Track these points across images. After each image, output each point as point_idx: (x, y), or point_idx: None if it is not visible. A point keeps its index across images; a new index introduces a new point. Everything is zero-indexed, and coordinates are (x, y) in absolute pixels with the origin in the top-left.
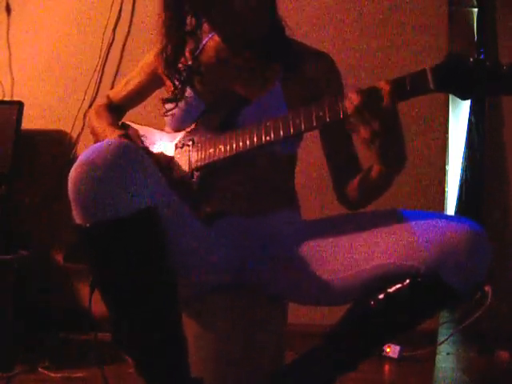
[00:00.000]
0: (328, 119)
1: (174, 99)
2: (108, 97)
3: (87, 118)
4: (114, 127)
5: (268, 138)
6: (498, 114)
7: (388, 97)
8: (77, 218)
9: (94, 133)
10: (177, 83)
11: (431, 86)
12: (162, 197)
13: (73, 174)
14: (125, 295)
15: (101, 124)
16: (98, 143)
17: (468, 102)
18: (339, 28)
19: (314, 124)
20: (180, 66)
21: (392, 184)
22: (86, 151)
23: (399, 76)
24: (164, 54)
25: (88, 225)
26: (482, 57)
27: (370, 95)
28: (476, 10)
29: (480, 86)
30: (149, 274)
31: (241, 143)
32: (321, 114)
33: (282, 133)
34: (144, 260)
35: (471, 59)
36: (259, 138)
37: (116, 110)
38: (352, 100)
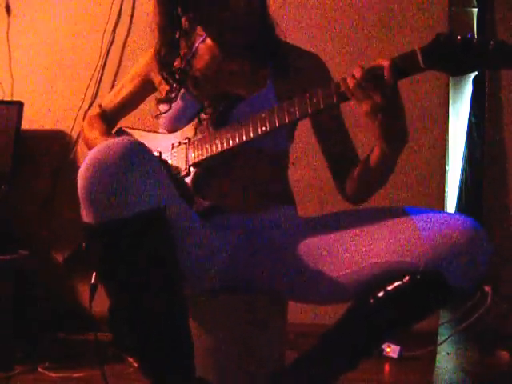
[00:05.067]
0: (322, 105)
1: (169, 100)
2: (100, 106)
3: (81, 130)
4: (108, 136)
5: (264, 128)
6: (498, 114)
7: (388, 71)
8: (86, 216)
9: (88, 144)
10: (172, 83)
11: (421, 64)
12: (169, 197)
13: (82, 173)
14: (131, 294)
15: (95, 135)
16: (109, 142)
17: (468, 102)
18: (338, 29)
19: (309, 111)
20: (174, 66)
21: (394, 169)
22: (96, 149)
23: (390, 57)
24: (158, 56)
25: (98, 224)
26: (469, 36)
27: (370, 70)
28: (476, 10)
29: (468, 62)
30: (156, 273)
31: (237, 136)
32: (315, 100)
33: (277, 122)
34: (152, 259)
35: (459, 37)
36: (255, 130)
37: (109, 119)
38: (355, 75)
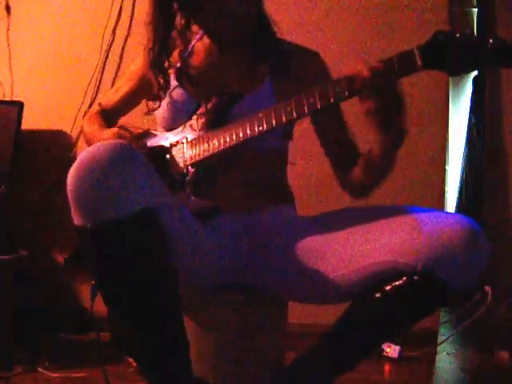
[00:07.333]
0: (319, 105)
1: (158, 97)
2: (100, 105)
3: (81, 127)
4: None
5: (261, 128)
6: (498, 114)
7: (388, 71)
8: (76, 219)
9: (87, 139)
10: (161, 81)
11: (419, 63)
12: (160, 197)
13: (71, 175)
14: (126, 296)
15: (94, 130)
16: (96, 144)
17: (468, 102)
18: (338, 30)
19: (306, 111)
20: (166, 65)
21: (394, 164)
22: (84, 152)
23: (387, 57)
24: (151, 54)
25: (88, 226)
26: (468, 33)
27: (375, 69)
28: (476, 9)
29: (467, 61)
30: (149, 274)
31: (234, 136)
32: (312, 100)
33: (274, 122)
34: (144, 261)
35: (458, 35)
36: (252, 129)
37: (109, 117)
38: (363, 74)
